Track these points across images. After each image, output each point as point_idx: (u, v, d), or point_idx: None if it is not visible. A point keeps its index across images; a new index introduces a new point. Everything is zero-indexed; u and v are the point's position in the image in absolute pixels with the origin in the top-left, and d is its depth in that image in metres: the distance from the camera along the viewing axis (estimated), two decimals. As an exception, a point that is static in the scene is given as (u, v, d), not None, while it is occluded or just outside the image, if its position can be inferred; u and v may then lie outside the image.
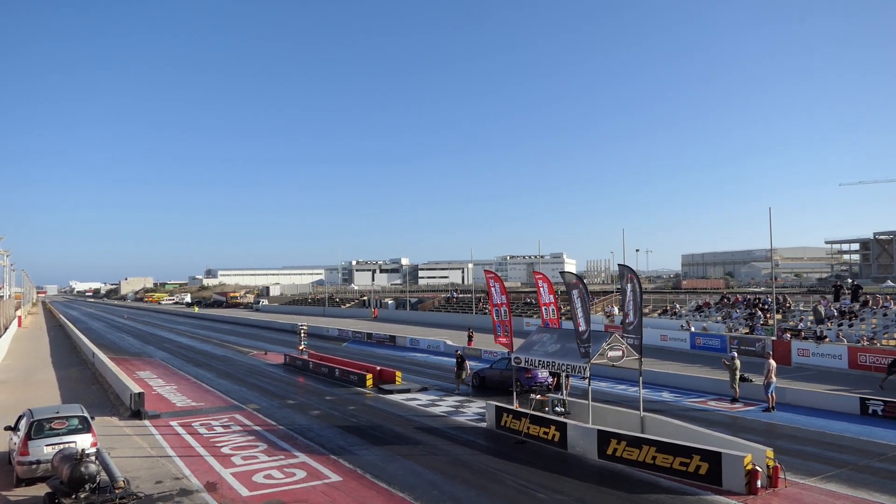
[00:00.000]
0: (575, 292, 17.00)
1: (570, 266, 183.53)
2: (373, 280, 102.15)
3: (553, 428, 16.09)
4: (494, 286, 20.74)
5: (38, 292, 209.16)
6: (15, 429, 14.71)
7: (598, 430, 14.89)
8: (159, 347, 46.88)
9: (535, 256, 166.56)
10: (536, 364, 17.96)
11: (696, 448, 13.05)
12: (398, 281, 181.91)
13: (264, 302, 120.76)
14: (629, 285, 16.56)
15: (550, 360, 17.45)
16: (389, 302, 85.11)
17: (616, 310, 47.71)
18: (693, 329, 38.71)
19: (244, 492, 12.86)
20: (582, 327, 16.53)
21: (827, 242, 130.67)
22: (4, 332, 47.32)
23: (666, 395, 23.21)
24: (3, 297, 60.13)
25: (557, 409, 18.48)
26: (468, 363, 26.72)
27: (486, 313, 58.41)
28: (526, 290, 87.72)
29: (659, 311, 48.19)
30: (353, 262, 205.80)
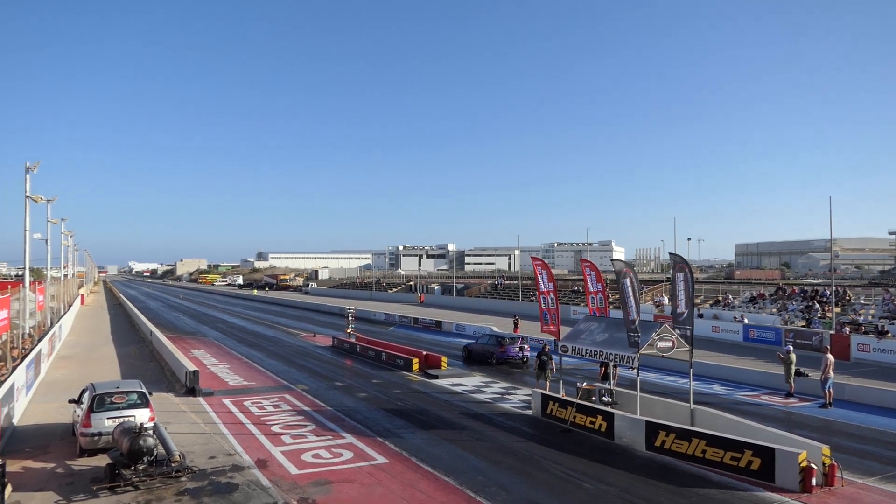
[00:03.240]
0: (625, 280, 16.73)
1: (619, 254, 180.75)
2: (419, 265, 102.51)
3: (600, 418, 15.94)
4: (542, 273, 20.58)
5: (99, 272, 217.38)
6: (78, 402, 15.37)
7: (647, 422, 14.68)
8: (213, 327, 48.21)
9: (583, 244, 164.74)
10: (584, 353, 17.79)
11: (749, 443, 12.74)
12: (444, 266, 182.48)
13: (313, 285, 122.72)
14: (680, 274, 16.20)
15: (598, 349, 17.25)
16: (436, 287, 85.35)
17: (666, 299, 46.82)
18: (746, 321, 37.71)
19: (293, 470, 13.16)
20: (632, 316, 16.28)
21: (891, 233, 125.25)
22: (68, 309, 49.30)
23: (717, 388, 22.71)
24: (67, 276, 62.61)
25: (604, 398, 18.30)
26: (553, 361, 21.47)
27: (532, 300, 58.09)
28: (573, 277, 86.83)
29: (711, 302, 47.09)
30: (400, 248, 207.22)
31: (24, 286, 27.61)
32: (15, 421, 16.98)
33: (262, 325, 50.49)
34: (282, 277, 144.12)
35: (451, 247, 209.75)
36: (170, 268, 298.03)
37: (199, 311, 66.76)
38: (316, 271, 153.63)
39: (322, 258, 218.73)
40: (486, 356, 28.67)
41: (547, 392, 18.57)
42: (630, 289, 16.55)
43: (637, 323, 16.18)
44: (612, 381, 19.16)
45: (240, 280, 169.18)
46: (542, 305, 20.44)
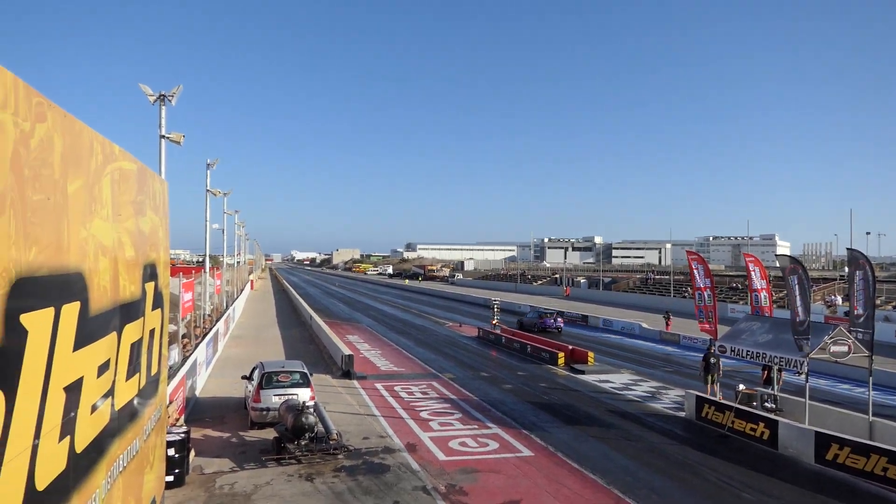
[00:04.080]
0: (793, 278, 15.42)
1: (784, 249, 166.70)
2: (565, 258, 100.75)
3: (762, 425, 14.84)
4: (697, 268, 19.50)
5: (265, 259, 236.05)
6: (250, 378, 16.81)
7: (817, 432, 13.46)
8: (365, 314, 50.69)
9: (742, 238, 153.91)
10: (744, 354, 16.64)
11: (942, 464, 11.29)
12: (590, 260, 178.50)
13: (459, 276, 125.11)
14: (859, 272, 14.66)
15: (761, 351, 16.06)
16: (581, 281, 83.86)
17: (839, 299, 42.61)
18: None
19: (441, 456, 13.52)
20: (800, 317, 14.98)
21: None
22: (240, 294, 53.97)
23: (901, 400, 20.33)
24: (239, 263, 68.73)
25: (767, 404, 17.02)
26: (721, 362, 18.89)
27: (685, 296, 55.27)
28: (731, 273, 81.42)
29: (894, 304, 42.21)
30: (545, 240, 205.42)
31: (204, 272, 30.64)
32: (197, 392, 18.94)
33: (411, 313, 52.29)
34: (429, 268, 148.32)
35: (597, 239, 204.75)
36: (327, 257, 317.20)
37: (352, 299, 70.46)
38: (462, 262, 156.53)
39: (468, 249, 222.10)
40: (532, 327, 37.50)
41: (706, 395, 17.59)
42: (798, 287, 15.23)
43: (807, 324, 14.86)
44: (776, 387, 17.76)
45: (390, 270, 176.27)
46: (698, 302, 19.38)
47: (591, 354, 26.57)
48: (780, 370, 17.79)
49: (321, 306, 56.77)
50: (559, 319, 38.44)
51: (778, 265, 17.74)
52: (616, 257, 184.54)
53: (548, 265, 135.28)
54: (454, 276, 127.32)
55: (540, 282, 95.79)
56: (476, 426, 16.06)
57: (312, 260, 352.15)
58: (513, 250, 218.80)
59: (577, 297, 73.85)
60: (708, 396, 17.33)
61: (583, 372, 24.47)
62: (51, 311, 4.25)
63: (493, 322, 37.23)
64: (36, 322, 3.99)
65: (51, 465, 4.27)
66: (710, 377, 18.48)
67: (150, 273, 7.38)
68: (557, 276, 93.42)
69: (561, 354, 26.49)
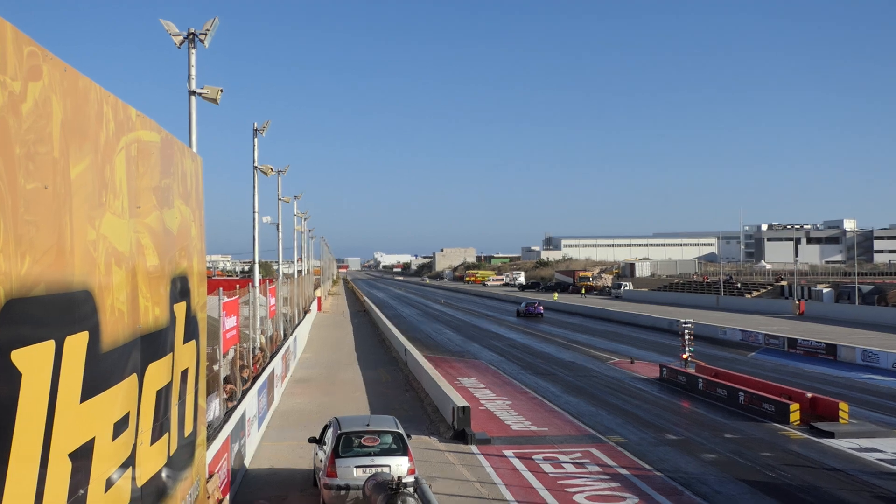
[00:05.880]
0: None
1: None
2: (795, 254, 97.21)
3: None
4: None
5: (338, 266, 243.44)
6: (320, 441, 17.34)
7: None
8: (485, 345, 51.13)
9: None
10: None
11: None
12: (838, 257, 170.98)
13: (627, 286, 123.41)
14: None
15: None
16: (824, 290, 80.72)
17: None
18: None
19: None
20: None
21: None
22: (304, 316, 55.76)
23: None
24: (301, 272, 70.69)
25: None
26: None
27: None
28: None
29: None
30: (763, 228, 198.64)
31: (252, 285, 31.76)
32: (246, 462, 19.79)
33: (554, 343, 52.19)
34: (582, 274, 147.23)
35: (848, 225, 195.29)
36: (427, 260, 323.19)
37: (465, 322, 71.26)
38: (631, 265, 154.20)
39: (640, 245, 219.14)
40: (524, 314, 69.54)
41: None
42: None
43: None
44: None
45: (521, 278, 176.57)
46: None
47: (843, 407, 25.50)
48: None
49: (420, 334, 57.78)
50: (540, 307, 69.03)
51: None
52: (881, 251, 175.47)
53: (767, 266, 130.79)
54: (620, 286, 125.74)
55: (756, 292, 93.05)
56: (661, 518, 15.78)
57: (405, 265, 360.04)
58: (711, 244, 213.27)
59: (818, 315, 71.19)
60: None
61: (831, 434, 23.54)
62: (50, 344, 4.44)
63: (684, 357, 36.41)
64: (32, 361, 4.16)
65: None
66: None
67: (181, 289, 7.70)
68: (783, 281, 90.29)
69: (794, 407, 25.61)
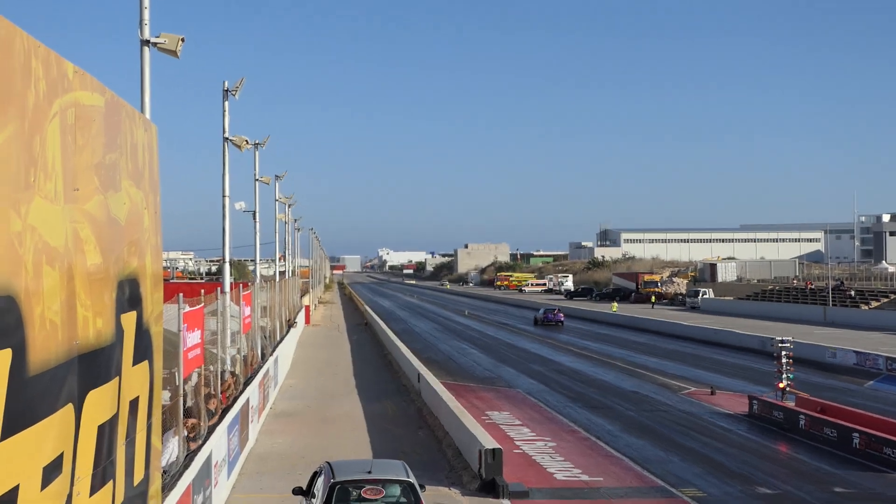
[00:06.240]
0: None
1: None
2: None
3: None
4: None
5: (333, 267, 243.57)
6: (307, 493, 17.35)
7: None
8: (521, 370, 51.05)
9: None
10: None
11: None
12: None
13: (706, 294, 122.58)
14: None
15: None
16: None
17: None
18: None
19: None
20: None
21: None
22: (287, 330, 55.41)
23: None
24: (285, 273, 70.27)
25: None
26: None
27: None
28: None
29: None
30: (885, 219, 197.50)
31: (222, 291, 31.65)
32: (213, 518, 19.80)
33: (611, 367, 52.05)
34: (646, 278, 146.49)
35: None
36: (446, 260, 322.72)
37: (496, 340, 71.19)
38: (711, 266, 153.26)
39: (723, 241, 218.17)
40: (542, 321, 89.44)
41: None
42: None
43: None
44: None
45: (569, 283, 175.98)
46: None
47: None
48: None
49: (438, 354, 57.76)
50: (561, 315, 78.25)
51: None
52: None
53: (890, 268, 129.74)
54: (697, 293, 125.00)
55: (875, 303, 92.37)
56: None
57: (419, 266, 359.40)
58: (816, 239, 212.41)
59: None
60: None
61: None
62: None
63: (781, 386, 36.15)
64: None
65: None
66: None
67: (130, 295, 7.69)
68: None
69: (925, 453, 25.45)
